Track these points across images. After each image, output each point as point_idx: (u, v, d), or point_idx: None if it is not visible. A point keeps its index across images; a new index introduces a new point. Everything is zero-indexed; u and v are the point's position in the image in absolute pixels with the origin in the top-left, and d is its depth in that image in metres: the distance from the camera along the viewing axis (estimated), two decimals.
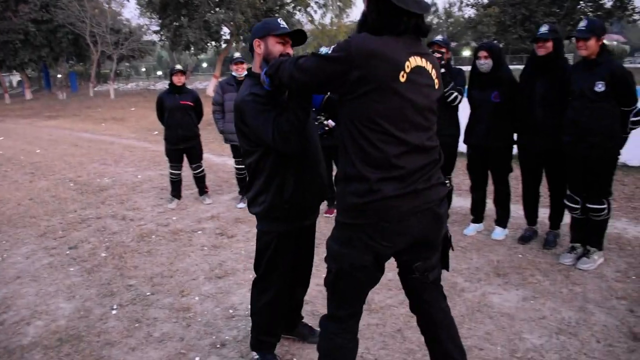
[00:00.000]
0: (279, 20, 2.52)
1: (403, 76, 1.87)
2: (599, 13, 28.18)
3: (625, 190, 6.08)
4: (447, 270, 2.31)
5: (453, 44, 55.70)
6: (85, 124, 18.06)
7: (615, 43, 50.85)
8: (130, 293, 3.91)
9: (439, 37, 4.78)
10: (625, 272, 3.89)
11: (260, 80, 2.34)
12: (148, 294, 3.88)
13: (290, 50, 2.48)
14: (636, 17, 27.69)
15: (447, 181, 4.88)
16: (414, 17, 1.94)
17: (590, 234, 4.04)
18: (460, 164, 5.27)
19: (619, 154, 3.87)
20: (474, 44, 41.25)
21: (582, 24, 3.76)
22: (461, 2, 33.85)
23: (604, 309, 3.35)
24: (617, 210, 5.29)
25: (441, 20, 57.63)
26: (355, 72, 1.84)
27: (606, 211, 3.90)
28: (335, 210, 2.22)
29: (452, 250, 2.27)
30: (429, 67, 2.00)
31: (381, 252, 2.01)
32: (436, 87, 2.05)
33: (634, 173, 6.79)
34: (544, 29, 4.10)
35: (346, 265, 2.04)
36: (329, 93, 2.38)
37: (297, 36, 2.52)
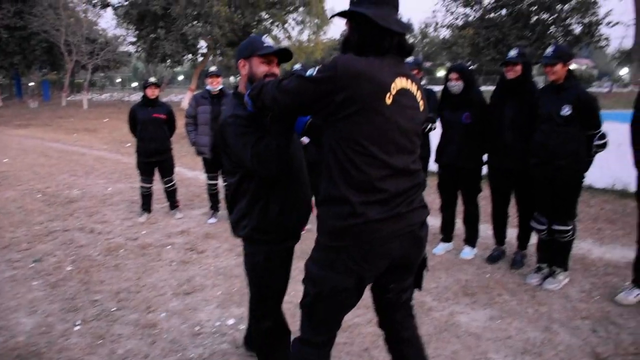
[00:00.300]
0: (263, 38, 2.45)
1: (389, 97, 1.86)
2: (568, 38, 28.99)
3: (590, 212, 6.21)
4: (420, 289, 2.30)
5: (428, 64, 56.56)
6: (57, 133, 17.76)
7: (584, 67, 52.28)
8: (95, 308, 3.82)
9: (409, 58, 4.83)
10: (589, 292, 3.96)
11: (244, 101, 2.29)
12: (113, 309, 3.81)
13: (276, 70, 2.42)
14: (603, 43, 28.53)
15: None
16: (397, 36, 1.94)
17: (556, 255, 4.11)
18: (431, 183, 5.32)
19: (584, 177, 3.96)
20: (449, 64, 41.90)
21: (549, 50, 3.87)
22: (437, 23, 34.34)
23: (568, 329, 3.40)
24: (583, 232, 5.40)
25: (417, 41, 58.54)
26: (341, 93, 1.82)
27: (571, 232, 3.98)
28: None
29: (427, 270, 2.26)
30: (413, 88, 1.99)
31: (363, 275, 1.97)
32: (421, 109, 2.04)
33: (599, 195, 6.95)
34: (513, 52, 4.20)
35: (327, 289, 1.99)
36: (310, 118, 2.32)
37: (283, 54, 2.45)
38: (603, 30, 28.01)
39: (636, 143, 3.63)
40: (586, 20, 28.57)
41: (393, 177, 1.91)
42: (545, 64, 3.84)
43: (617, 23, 28.62)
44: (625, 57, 35.69)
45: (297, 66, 5.31)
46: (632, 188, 3.81)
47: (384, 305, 2.25)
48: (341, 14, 1.99)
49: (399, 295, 2.16)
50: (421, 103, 2.04)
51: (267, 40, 2.44)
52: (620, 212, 6.19)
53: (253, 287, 2.60)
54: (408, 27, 2.01)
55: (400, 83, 1.91)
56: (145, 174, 6.31)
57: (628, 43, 32.76)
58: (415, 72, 4.67)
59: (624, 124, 3.92)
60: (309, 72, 1.91)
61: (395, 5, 1.99)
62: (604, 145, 3.86)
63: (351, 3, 2.01)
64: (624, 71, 50.50)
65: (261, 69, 2.38)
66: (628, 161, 3.84)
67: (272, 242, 2.48)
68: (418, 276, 2.23)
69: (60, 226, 6.05)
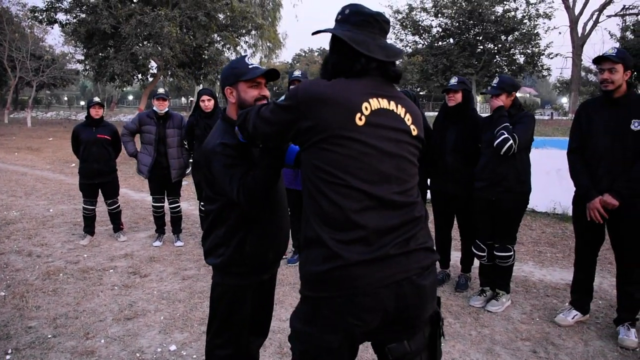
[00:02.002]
0: (246, 59, 2.30)
1: (360, 119, 1.66)
2: (512, 67, 30.26)
3: (532, 235, 6.42)
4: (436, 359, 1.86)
5: None
6: None
7: (527, 95, 54.51)
8: (30, 335, 3.66)
9: None
10: (530, 314, 4.07)
11: (234, 127, 2.13)
12: (49, 336, 3.65)
13: (265, 92, 2.29)
14: (545, 73, 29.89)
15: None
16: (376, 62, 1.76)
17: (498, 278, 4.22)
18: None
19: (527, 201, 4.10)
20: (398, 89, 42.95)
21: (494, 82, 4.07)
22: None
23: (509, 350, 3.47)
24: (524, 254, 5.57)
25: None
26: (304, 120, 1.68)
27: (512, 257, 4.10)
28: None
29: (444, 337, 1.89)
30: (399, 110, 1.78)
31: (351, 332, 1.68)
32: (413, 132, 1.80)
33: (540, 218, 7.20)
34: (453, 80, 4.36)
35: (311, 347, 1.73)
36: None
37: (270, 74, 2.30)
38: (544, 60, 29.41)
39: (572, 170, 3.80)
40: (529, 50, 29.92)
41: (374, 209, 1.65)
42: (491, 94, 4.01)
43: (557, 55, 30.17)
44: (565, 87, 37.39)
45: (297, 73, 5.17)
46: (571, 212, 3.97)
47: None
48: (320, 32, 1.87)
49: None
50: (413, 127, 1.81)
51: (251, 62, 2.30)
52: (560, 235, 6.42)
53: (216, 319, 2.43)
54: (396, 54, 1.81)
55: (376, 103, 1.71)
56: (88, 195, 6.13)
57: (567, 74, 34.37)
58: None
59: (563, 151, 4.08)
60: (280, 100, 1.82)
61: (381, 29, 1.83)
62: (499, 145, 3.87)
63: (335, 21, 1.87)
64: (564, 100, 52.82)
65: (250, 94, 2.25)
66: (568, 186, 4.01)
67: (245, 275, 2.36)
68: (432, 344, 1.83)
69: None
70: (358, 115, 1.66)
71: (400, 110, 1.78)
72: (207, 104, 5.50)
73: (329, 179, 1.65)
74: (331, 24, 1.89)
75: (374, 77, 1.77)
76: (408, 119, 1.80)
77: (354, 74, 1.76)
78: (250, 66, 2.26)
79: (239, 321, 2.42)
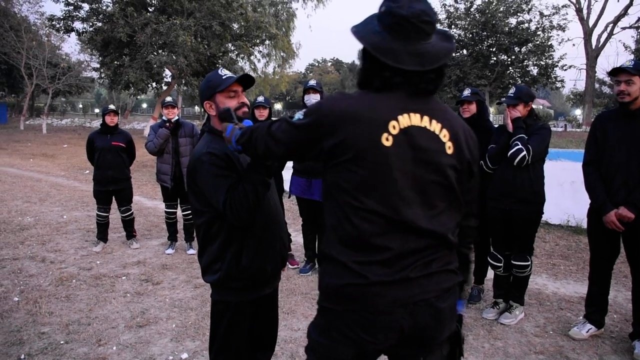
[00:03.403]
0: (219, 71, 2.31)
1: (387, 139, 1.54)
2: (526, 79, 30.17)
3: (546, 247, 6.36)
4: None
5: None
6: (12, 158, 17.30)
7: (541, 107, 54.30)
8: (42, 341, 3.68)
9: None
10: (544, 327, 4.02)
11: (224, 138, 2.06)
12: (62, 342, 3.67)
13: (244, 99, 2.29)
14: (558, 84, 29.76)
15: None
16: (403, 75, 1.58)
17: (512, 290, 4.17)
18: None
19: (542, 212, 4.07)
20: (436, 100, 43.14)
21: (511, 92, 4.05)
22: None
23: None
24: (538, 267, 5.52)
25: None
26: (328, 139, 1.57)
27: (529, 267, 4.06)
28: (296, 262, 1.98)
29: (463, 357, 1.84)
30: (435, 127, 1.62)
31: (364, 348, 1.62)
32: (448, 151, 1.63)
33: (554, 231, 7.13)
34: (466, 92, 4.35)
35: (324, 359, 1.70)
36: None
37: (244, 80, 2.30)
38: (558, 72, 29.29)
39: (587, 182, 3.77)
40: (542, 62, 29.82)
41: (397, 233, 1.57)
42: (507, 104, 3.99)
43: (570, 66, 30.02)
44: (578, 98, 37.20)
45: (312, 82, 5.12)
46: (585, 225, 3.93)
47: None
48: (354, 28, 1.65)
49: None
50: (449, 144, 1.63)
51: (225, 72, 2.31)
52: (574, 248, 6.36)
53: (217, 337, 2.37)
54: (436, 60, 1.60)
55: (406, 120, 1.57)
56: (102, 202, 6.18)
57: (581, 85, 34.18)
58: None
59: (577, 163, 4.05)
60: (296, 116, 1.71)
61: (421, 31, 1.58)
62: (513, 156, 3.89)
63: (371, 17, 1.68)
64: (577, 112, 52.55)
65: (229, 104, 2.25)
66: (581, 198, 3.97)
67: (245, 290, 2.30)
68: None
69: (9, 254, 5.84)
70: (385, 135, 1.54)
71: (435, 127, 1.62)
72: None
73: (351, 202, 1.57)
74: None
75: (404, 90, 1.61)
76: (444, 136, 1.63)
77: (384, 88, 1.61)
78: (224, 77, 2.27)
79: (240, 338, 2.37)
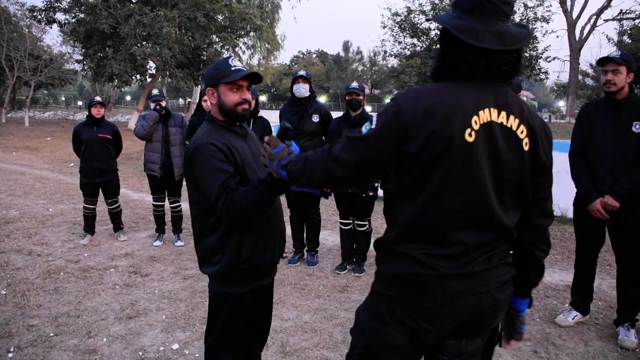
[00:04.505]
0: (230, 60, 2.24)
1: (470, 134, 1.49)
2: None
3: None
4: None
5: (377, 92, 57.73)
6: None
7: (525, 98, 54.64)
8: (32, 334, 3.66)
9: (354, 84, 4.87)
10: (531, 315, 4.08)
11: (266, 152, 1.91)
12: (51, 335, 3.65)
13: (247, 96, 2.26)
14: (542, 76, 29.94)
15: (366, 223, 4.99)
16: (486, 56, 1.53)
17: None
18: (379, 208, 5.40)
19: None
20: (396, 92, 43.05)
21: None
22: (385, 52, 35.35)
23: (510, 351, 3.48)
24: None
25: (366, 68, 59.81)
26: (414, 141, 1.49)
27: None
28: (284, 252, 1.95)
29: (500, 345, 1.87)
30: (513, 123, 1.58)
31: (420, 335, 1.62)
32: (525, 147, 1.59)
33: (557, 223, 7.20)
34: None
35: (375, 343, 1.67)
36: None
37: (252, 77, 2.25)
38: (542, 64, 29.45)
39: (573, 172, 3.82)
40: (527, 54, 29.97)
41: (470, 229, 1.58)
42: None
43: (554, 58, 30.16)
44: (562, 90, 37.50)
45: (302, 72, 5.11)
46: (571, 214, 3.99)
47: None
48: (432, 20, 1.64)
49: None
50: (526, 140, 1.59)
51: (235, 63, 2.23)
52: (559, 237, 6.43)
53: (215, 327, 2.35)
54: (518, 40, 1.56)
55: (486, 116, 1.53)
56: (89, 195, 6.14)
57: (564, 77, 34.46)
58: (361, 97, 4.77)
59: (562, 153, 4.10)
60: (365, 128, 1.58)
61: (498, 11, 1.56)
62: None
63: (451, 6, 1.66)
64: (561, 103, 53.02)
65: (230, 97, 2.21)
66: (566, 188, 4.02)
67: (245, 281, 2.29)
68: (488, 347, 1.82)
69: None
70: (468, 130, 1.49)
71: (513, 122, 1.58)
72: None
73: (433, 199, 1.54)
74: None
75: (487, 79, 1.57)
76: (522, 132, 1.59)
77: (464, 76, 1.57)
78: (233, 68, 2.20)
79: (239, 328, 2.38)
